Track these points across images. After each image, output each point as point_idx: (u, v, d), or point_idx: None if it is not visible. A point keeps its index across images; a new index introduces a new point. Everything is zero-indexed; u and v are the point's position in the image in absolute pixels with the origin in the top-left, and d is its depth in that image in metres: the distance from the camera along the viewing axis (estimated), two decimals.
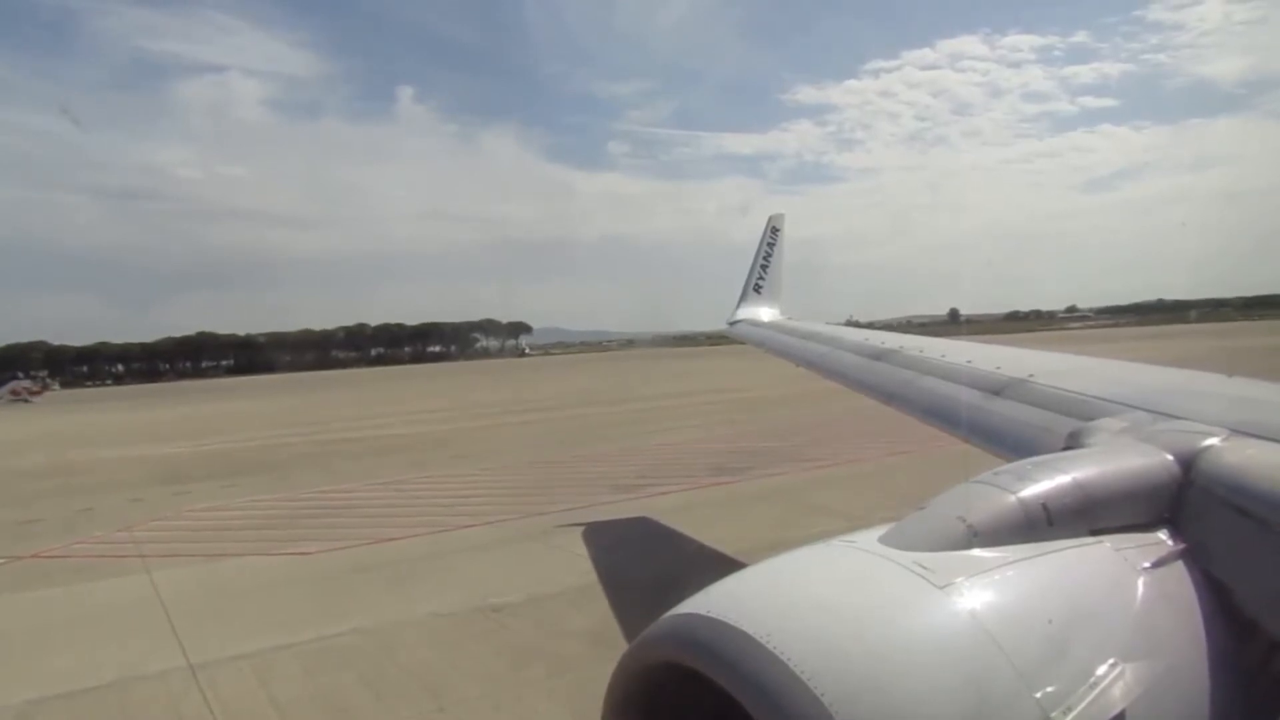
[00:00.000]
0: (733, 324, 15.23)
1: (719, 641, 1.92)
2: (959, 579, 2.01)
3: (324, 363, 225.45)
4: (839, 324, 13.19)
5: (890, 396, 6.95)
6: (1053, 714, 1.81)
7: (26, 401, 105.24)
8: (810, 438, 27.03)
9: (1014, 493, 2.33)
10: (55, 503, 23.08)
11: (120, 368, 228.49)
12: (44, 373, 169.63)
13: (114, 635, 11.33)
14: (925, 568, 2.05)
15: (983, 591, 1.99)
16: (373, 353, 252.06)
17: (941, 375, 6.21)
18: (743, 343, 14.58)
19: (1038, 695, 1.82)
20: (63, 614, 12.53)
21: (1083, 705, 1.84)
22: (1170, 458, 2.62)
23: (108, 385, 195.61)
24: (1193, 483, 2.53)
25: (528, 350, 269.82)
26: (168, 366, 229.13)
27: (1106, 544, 2.29)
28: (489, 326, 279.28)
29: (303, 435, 39.20)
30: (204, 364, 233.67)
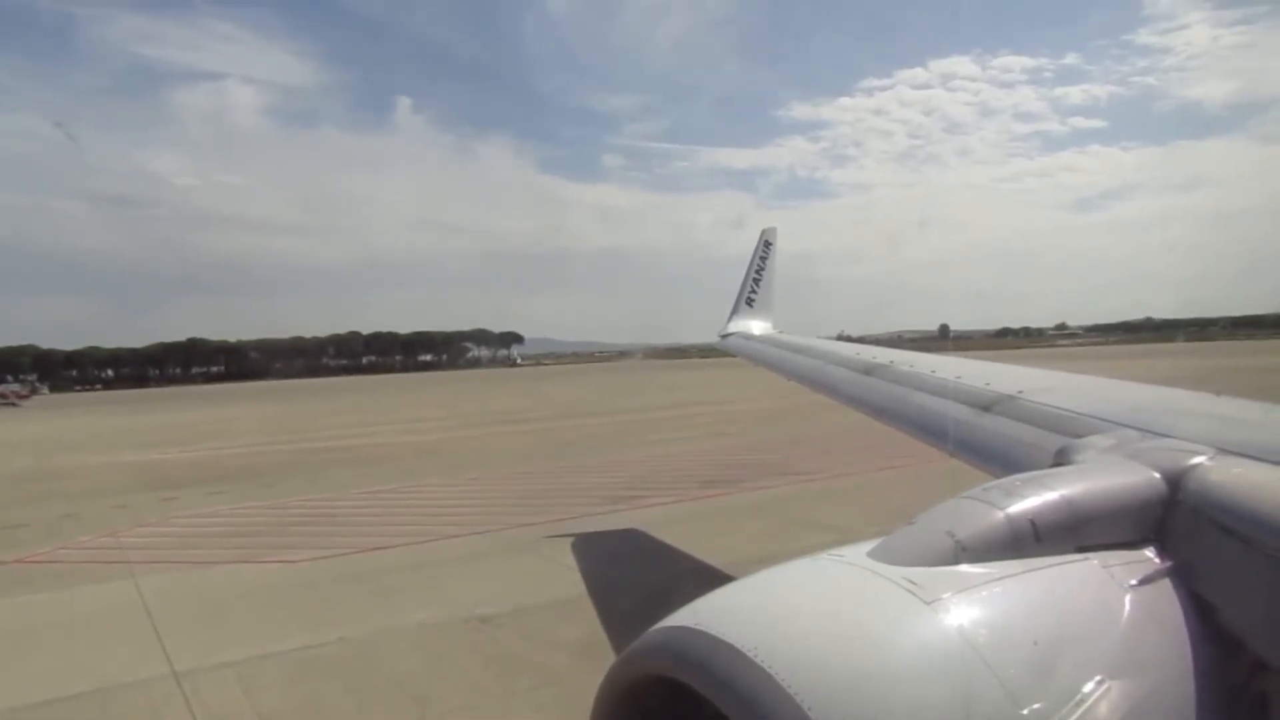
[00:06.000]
0: (724, 337, 15.24)
1: (706, 655, 1.92)
2: (946, 595, 2.01)
3: (315, 370, 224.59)
4: (830, 338, 13.23)
5: (880, 411, 6.95)
6: None
7: (14, 405, 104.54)
8: (800, 451, 27.04)
9: (1002, 509, 2.33)
10: (40, 507, 22.89)
11: (110, 373, 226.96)
12: (32, 377, 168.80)
13: (98, 642, 11.22)
14: (913, 583, 2.04)
15: (970, 608, 1.99)
16: (364, 361, 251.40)
17: (931, 391, 6.21)
18: (734, 356, 14.60)
19: (1024, 712, 1.82)
20: (46, 620, 12.40)
21: None
22: (1157, 476, 2.62)
23: (97, 390, 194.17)
24: (1179, 501, 2.54)
25: (519, 360, 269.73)
26: (157, 372, 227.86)
27: (1093, 561, 2.29)
28: (481, 336, 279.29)
29: (291, 443, 39.01)
30: (194, 370, 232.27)
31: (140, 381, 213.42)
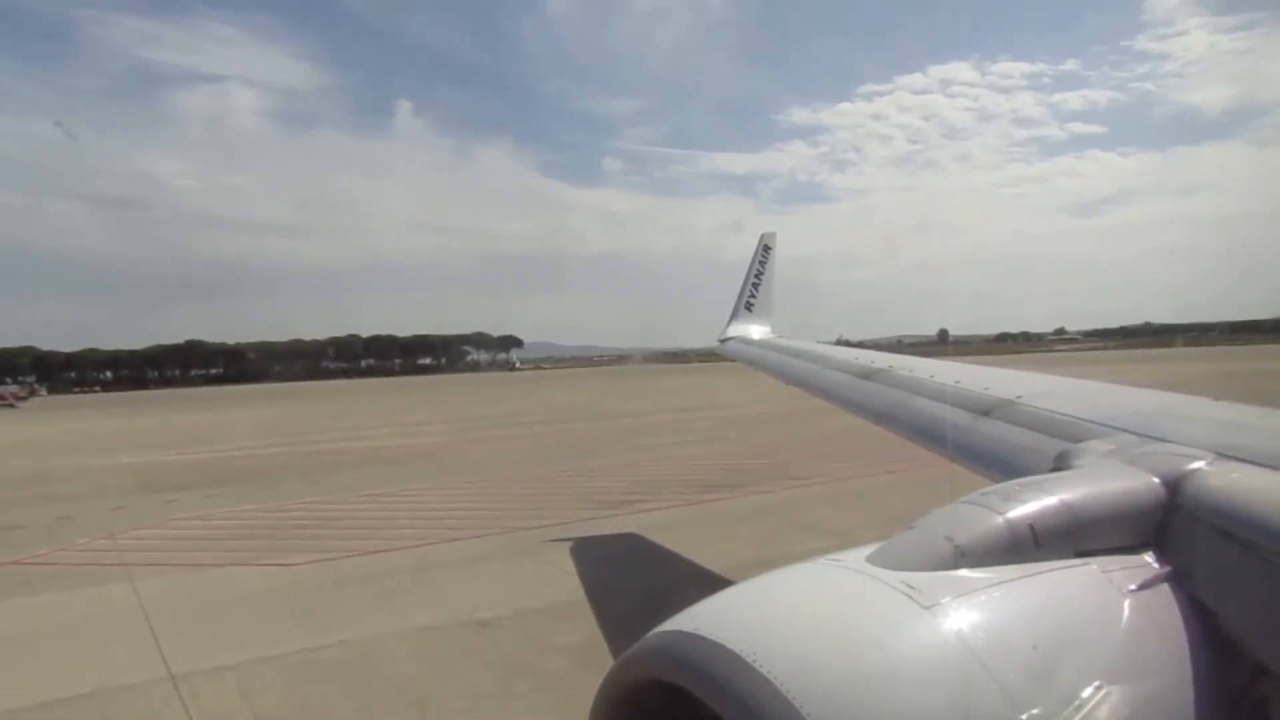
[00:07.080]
0: (723, 341, 15.23)
1: (705, 659, 1.92)
2: (945, 599, 2.01)
3: (314, 373, 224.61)
4: (829, 342, 13.22)
5: (879, 416, 6.95)
6: None
7: (12, 407, 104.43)
8: (799, 455, 27.04)
9: (1001, 513, 2.33)
10: (38, 509, 22.84)
11: (109, 374, 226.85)
12: (30, 378, 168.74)
13: (95, 644, 11.19)
14: (912, 587, 2.04)
15: (969, 612, 1.99)
16: (363, 364, 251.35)
17: (930, 395, 6.21)
18: (733, 360, 14.59)
19: (1023, 717, 1.81)
20: (43, 622, 12.36)
21: None
22: (1156, 480, 2.62)
23: (95, 392, 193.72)
24: (1179, 506, 2.54)
25: (518, 364, 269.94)
26: (156, 374, 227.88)
27: (1093, 566, 2.29)
28: (480, 340, 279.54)
29: (290, 445, 38.97)
30: (193, 372, 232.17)
31: (139, 383, 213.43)
